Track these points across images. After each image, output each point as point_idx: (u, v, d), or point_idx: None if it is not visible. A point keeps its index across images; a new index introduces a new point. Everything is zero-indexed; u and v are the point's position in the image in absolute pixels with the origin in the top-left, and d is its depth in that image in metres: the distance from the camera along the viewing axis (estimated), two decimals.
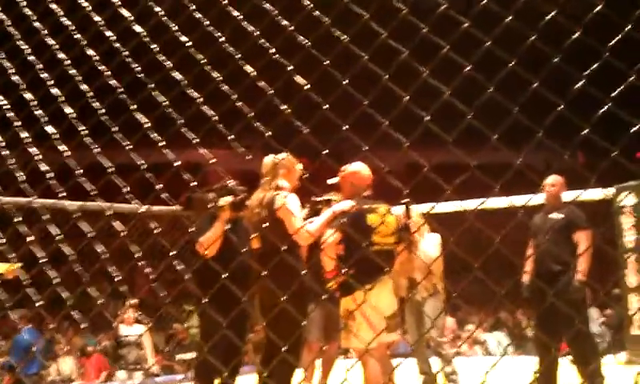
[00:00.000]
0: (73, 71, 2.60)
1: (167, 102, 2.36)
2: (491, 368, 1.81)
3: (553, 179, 5.51)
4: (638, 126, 1.78)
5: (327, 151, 2.11)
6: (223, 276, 2.56)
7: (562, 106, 1.86)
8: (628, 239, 6.92)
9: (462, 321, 11.20)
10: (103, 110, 2.50)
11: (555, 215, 5.37)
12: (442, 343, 5.64)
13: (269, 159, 4.04)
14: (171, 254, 2.40)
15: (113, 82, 2.50)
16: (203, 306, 4.67)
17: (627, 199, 7.00)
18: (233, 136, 2.23)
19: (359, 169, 4.17)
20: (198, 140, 2.30)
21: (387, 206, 4.16)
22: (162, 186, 2.34)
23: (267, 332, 3.99)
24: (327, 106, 2.07)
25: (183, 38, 2.40)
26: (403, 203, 4.35)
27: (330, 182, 4.27)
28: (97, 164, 2.45)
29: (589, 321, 5.22)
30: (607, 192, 7.11)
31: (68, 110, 2.54)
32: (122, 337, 7.93)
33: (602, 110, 1.82)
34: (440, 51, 1.99)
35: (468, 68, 1.96)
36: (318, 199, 4.75)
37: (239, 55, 2.30)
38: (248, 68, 2.25)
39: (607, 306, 9.32)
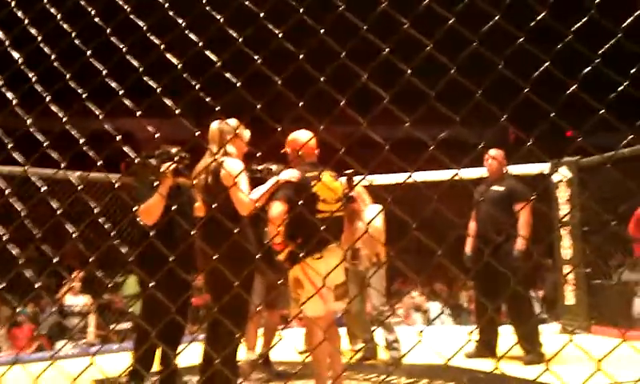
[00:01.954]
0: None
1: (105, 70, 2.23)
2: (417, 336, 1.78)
3: (494, 152, 5.63)
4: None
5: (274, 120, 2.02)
6: (165, 245, 2.47)
7: (481, 91, 1.83)
8: (563, 213, 7.13)
9: (399, 292, 11.40)
10: (35, 78, 2.34)
11: (497, 187, 5.49)
12: (383, 311, 5.70)
13: (215, 125, 3.92)
14: (100, 218, 2.27)
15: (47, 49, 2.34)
16: (144, 276, 4.55)
17: (562, 174, 7.21)
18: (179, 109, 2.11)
19: (303, 136, 4.11)
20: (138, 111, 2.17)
21: (332, 173, 4.12)
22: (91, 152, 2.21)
23: (210, 301, 3.91)
24: (260, 59, 1.98)
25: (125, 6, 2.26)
26: (345, 174, 4.33)
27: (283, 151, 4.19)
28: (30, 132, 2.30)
29: (528, 289, 5.38)
30: (543, 167, 7.30)
31: None
32: (66, 306, 7.85)
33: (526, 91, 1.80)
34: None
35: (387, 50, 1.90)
36: (259, 168, 4.67)
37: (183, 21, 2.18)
38: (193, 37, 2.13)
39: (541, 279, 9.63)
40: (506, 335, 5.65)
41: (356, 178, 5.00)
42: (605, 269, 7.18)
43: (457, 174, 1.90)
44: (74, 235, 2.30)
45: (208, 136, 3.93)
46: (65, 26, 2.33)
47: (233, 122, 3.87)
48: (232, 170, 3.62)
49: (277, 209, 3.79)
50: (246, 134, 4.06)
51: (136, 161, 4.42)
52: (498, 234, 5.35)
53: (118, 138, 2.14)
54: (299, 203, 3.69)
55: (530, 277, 8.25)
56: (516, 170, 6.66)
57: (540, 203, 6.78)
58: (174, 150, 4.50)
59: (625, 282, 7.11)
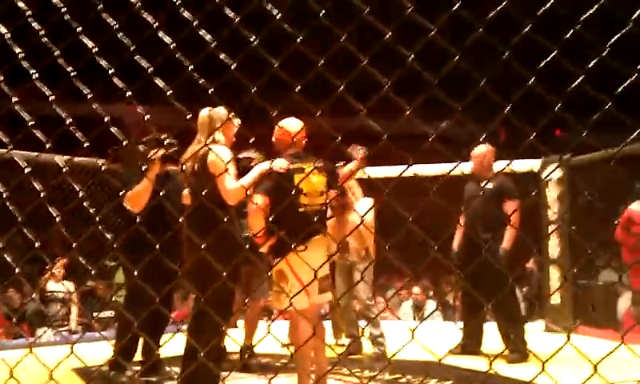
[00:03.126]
0: None
1: (96, 48, 2.16)
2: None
3: (483, 148, 5.58)
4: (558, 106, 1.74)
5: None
6: (150, 232, 2.41)
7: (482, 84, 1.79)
8: (552, 211, 7.13)
9: (385, 286, 11.38)
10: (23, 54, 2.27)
11: (486, 184, 5.46)
12: (369, 306, 5.67)
13: (205, 112, 3.85)
14: (85, 203, 2.20)
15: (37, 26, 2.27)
16: (128, 263, 4.49)
17: (552, 172, 7.19)
18: (170, 91, 2.05)
19: (287, 124, 4.04)
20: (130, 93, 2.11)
21: (314, 165, 4.04)
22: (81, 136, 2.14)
23: (195, 291, 3.85)
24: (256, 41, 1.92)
25: None
26: (338, 167, 4.29)
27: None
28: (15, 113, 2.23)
29: (514, 288, 5.37)
30: (533, 164, 7.29)
31: None
32: (48, 292, 7.74)
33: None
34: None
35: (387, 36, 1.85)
36: (240, 156, 4.60)
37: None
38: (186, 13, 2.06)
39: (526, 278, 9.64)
40: (490, 333, 5.64)
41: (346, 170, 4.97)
42: (590, 269, 7.20)
43: (458, 167, 1.86)
44: (57, 219, 2.23)
45: (197, 123, 3.85)
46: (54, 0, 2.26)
47: (222, 109, 3.81)
48: (220, 158, 3.55)
49: (255, 201, 3.72)
50: (236, 122, 3.99)
51: (124, 146, 4.37)
52: (485, 232, 5.33)
53: (106, 119, 2.07)
54: (281, 196, 3.63)
55: (516, 275, 8.24)
56: (508, 165, 6.65)
57: (529, 201, 6.75)
58: (162, 136, 4.44)
59: (609, 283, 7.14)
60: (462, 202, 5.71)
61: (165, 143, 4.35)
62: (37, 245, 2.24)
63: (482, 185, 5.48)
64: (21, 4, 2.32)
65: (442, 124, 1.90)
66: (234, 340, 4.87)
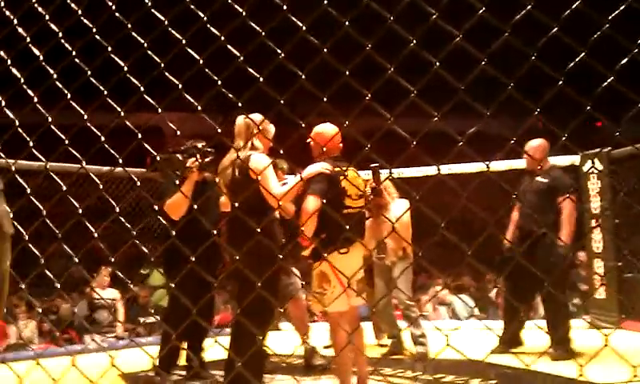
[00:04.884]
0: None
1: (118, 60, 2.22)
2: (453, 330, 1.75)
3: (536, 143, 5.48)
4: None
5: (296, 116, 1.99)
6: (191, 239, 2.47)
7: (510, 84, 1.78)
8: (593, 205, 7.00)
9: (425, 285, 11.34)
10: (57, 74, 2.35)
11: (541, 178, 5.38)
12: (410, 306, 5.66)
13: (241, 119, 3.89)
14: (123, 214, 2.27)
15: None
16: (170, 270, 4.58)
17: (593, 166, 7.07)
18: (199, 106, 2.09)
19: (327, 130, 4.07)
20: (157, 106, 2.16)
21: (354, 168, 4.09)
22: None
23: (237, 297, 3.89)
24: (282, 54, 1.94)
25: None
26: (371, 168, 4.29)
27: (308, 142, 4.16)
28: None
29: (565, 285, 5.27)
30: (574, 159, 7.18)
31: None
32: (95, 300, 7.97)
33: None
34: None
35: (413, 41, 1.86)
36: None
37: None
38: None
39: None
40: (533, 329, 5.57)
41: (382, 172, 4.97)
42: (637, 262, 7.02)
43: (488, 167, 1.86)
44: (95, 232, 2.30)
45: (234, 131, 3.90)
46: (86, 21, 2.33)
47: (258, 116, 3.85)
48: (260, 164, 3.59)
49: (312, 203, 3.74)
50: (271, 128, 4.03)
51: (162, 155, 4.46)
52: (538, 227, 5.23)
53: (138, 133, 2.12)
54: (329, 198, 3.68)
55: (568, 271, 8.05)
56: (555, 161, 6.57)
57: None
58: (199, 145, 4.51)
59: None
60: (518, 197, 5.63)
61: (202, 151, 4.42)
62: (76, 260, 2.30)
63: (537, 179, 5.40)
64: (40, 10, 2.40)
65: (472, 129, 1.90)
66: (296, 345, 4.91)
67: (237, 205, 3.69)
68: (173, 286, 4.61)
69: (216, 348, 2.98)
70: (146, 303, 9.18)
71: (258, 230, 2.66)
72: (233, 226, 3.69)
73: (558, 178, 5.36)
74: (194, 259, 2.17)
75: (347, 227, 3.44)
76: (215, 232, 4.01)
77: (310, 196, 3.76)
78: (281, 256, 3.67)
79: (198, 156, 4.41)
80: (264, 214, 3.54)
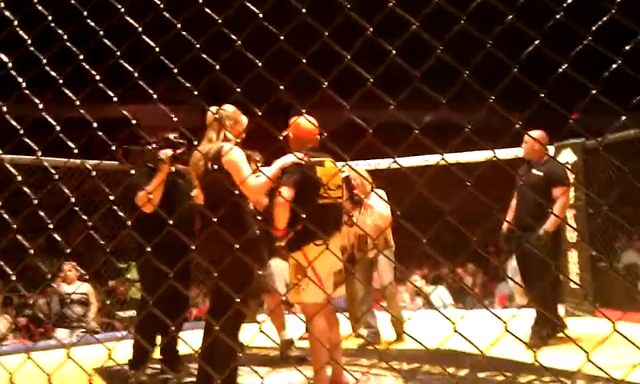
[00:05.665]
0: None
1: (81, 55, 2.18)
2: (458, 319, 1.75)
3: (535, 134, 5.48)
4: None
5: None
6: (163, 230, 2.43)
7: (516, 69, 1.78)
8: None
9: (403, 276, 11.40)
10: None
11: (536, 171, 5.40)
12: (389, 286, 5.75)
13: (213, 111, 3.85)
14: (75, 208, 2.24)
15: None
16: (143, 262, 4.53)
17: (567, 157, 7.12)
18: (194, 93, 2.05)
19: (303, 122, 4.05)
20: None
21: (332, 159, 4.08)
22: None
23: (212, 287, 3.87)
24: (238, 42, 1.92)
25: None
26: (343, 179, 4.29)
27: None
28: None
29: (549, 271, 5.29)
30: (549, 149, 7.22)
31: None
32: (65, 295, 7.85)
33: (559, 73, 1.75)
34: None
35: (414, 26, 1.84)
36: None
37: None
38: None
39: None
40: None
41: (357, 164, 4.96)
42: (610, 252, 7.10)
43: (495, 156, 1.85)
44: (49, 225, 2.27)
45: (206, 122, 3.85)
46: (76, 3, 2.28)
47: (230, 108, 3.82)
48: (234, 155, 3.56)
49: (284, 193, 3.72)
50: (244, 120, 3.99)
51: (132, 148, 4.41)
52: (531, 216, 5.24)
53: (95, 124, 2.09)
54: (304, 188, 3.67)
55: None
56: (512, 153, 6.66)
57: None
58: (171, 136, 4.47)
59: (630, 265, 7.04)
60: (515, 186, 5.67)
61: (173, 143, 4.38)
62: (31, 252, 2.26)
63: (532, 170, 5.44)
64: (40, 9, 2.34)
65: (427, 118, 1.89)
66: (267, 335, 4.89)
67: (209, 196, 3.66)
68: (145, 278, 4.57)
69: (191, 341, 2.96)
70: (123, 296, 9.11)
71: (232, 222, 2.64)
72: (205, 218, 3.67)
73: (553, 169, 5.39)
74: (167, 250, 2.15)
75: (321, 218, 3.44)
76: (188, 224, 3.98)
77: (282, 186, 3.75)
78: (254, 246, 3.66)
79: (170, 147, 4.37)
80: (237, 206, 3.51)
